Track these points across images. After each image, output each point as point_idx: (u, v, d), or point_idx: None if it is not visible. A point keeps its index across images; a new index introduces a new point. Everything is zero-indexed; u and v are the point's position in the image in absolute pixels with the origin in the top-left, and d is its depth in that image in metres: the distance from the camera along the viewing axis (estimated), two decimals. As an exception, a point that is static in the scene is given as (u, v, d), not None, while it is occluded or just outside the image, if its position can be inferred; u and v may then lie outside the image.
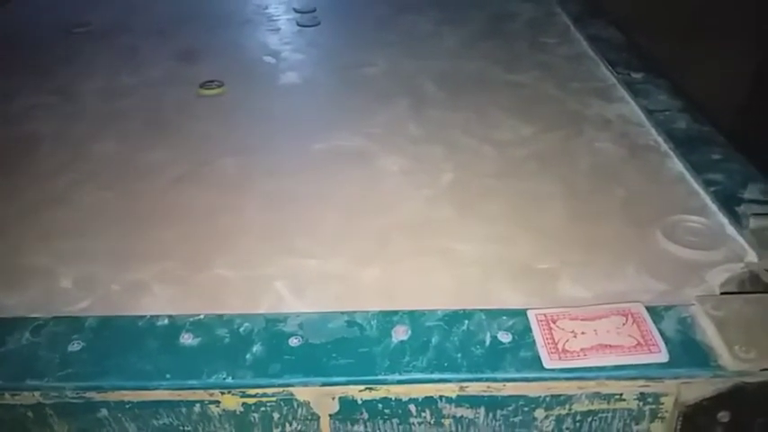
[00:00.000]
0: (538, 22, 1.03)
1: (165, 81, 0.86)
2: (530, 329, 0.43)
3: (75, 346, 0.43)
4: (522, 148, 0.68)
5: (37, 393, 0.41)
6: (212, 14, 1.12)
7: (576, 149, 0.67)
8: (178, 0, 1.19)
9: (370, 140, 0.70)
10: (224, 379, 0.41)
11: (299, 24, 1.06)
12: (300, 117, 0.77)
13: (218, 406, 0.42)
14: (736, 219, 0.54)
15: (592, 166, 0.64)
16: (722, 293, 0.47)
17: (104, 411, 0.42)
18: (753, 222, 0.51)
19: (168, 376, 0.41)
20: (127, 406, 0.42)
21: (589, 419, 0.43)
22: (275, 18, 1.09)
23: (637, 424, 0.43)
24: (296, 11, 1.12)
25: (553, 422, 0.43)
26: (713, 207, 0.57)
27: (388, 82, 0.84)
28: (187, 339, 0.44)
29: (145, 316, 0.45)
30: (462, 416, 0.42)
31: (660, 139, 0.68)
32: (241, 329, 0.44)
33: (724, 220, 0.55)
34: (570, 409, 0.42)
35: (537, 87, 0.81)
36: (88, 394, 0.41)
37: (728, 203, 0.56)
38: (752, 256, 0.51)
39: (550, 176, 0.63)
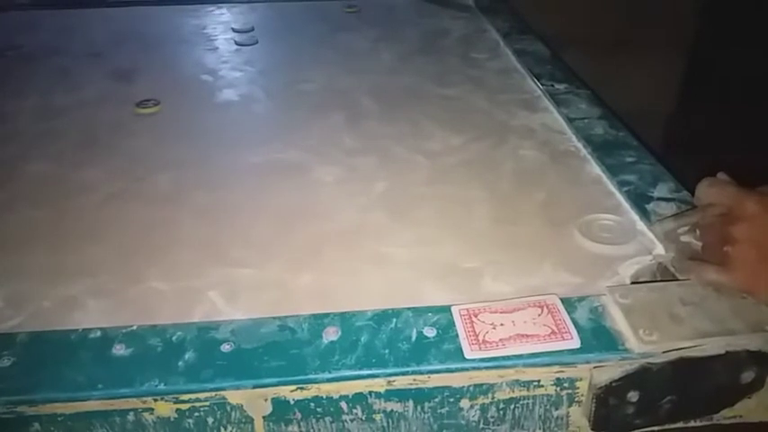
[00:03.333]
0: (469, 39, 1.07)
1: (100, 101, 0.86)
2: (453, 324, 0.46)
3: (4, 362, 0.43)
4: (451, 156, 0.71)
5: (-35, 411, 0.41)
6: (149, 35, 1.12)
7: (502, 157, 0.71)
8: (114, 22, 1.19)
9: (305, 153, 0.72)
10: (156, 386, 0.42)
11: (236, 43, 1.07)
12: (237, 132, 0.79)
13: (151, 413, 0.43)
14: (646, 215, 0.58)
15: (515, 172, 0.68)
16: (632, 284, 0.51)
17: (36, 426, 0.42)
18: (657, 225, 0.55)
19: (100, 386, 0.42)
20: (59, 419, 0.42)
21: (512, 407, 0.45)
22: (213, 38, 1.10)
23: (556, 409, 0.46)
24: (234, 30, 1.13)
25: (478, 411, 0.45)
26: (626, 205, 0.61)
27: (324, 97, 0.87)
28: (119, 350, 0.44)
29: (77, 329, 0.46)
30: (392, 410, 0.44)
31: (580, 145, 0.72)
32: (173, 338, 0.45)
33: (635, 217, 0.59)
34: (493, 398, 0.44)
35: (467, 100, 0.85)
36: (19, 408, 0.41)
37: (639, 202, 0.60)
38: (660, 249, 0.55)
39: (477, 183, 0.66)
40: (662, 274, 0.52)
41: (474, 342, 0.44)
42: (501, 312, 0.46)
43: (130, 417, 0.43)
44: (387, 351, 0.44)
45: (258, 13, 1.24)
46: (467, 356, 0.43)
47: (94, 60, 1.00)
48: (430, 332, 0.45)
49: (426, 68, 0.95)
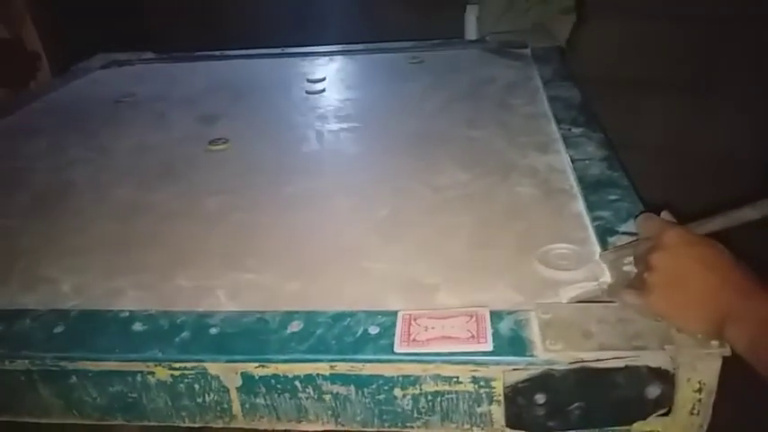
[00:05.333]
0: (513, 86, 1.15)
1: (183, 140, 1.04)
2: (395, 325, 0.54)
3: (58, 329, 0.58)
4: (454, 190, 0.80)
5: (27, 361, 0.56)
6: (238, 84, 1.31)
7: (500, 192, 0.78)
8: (212, 72, 1.41)
9: (331, 184, 0.84)
10: (155, 354, 0.55)
11: (306, 92, 1.23)
12: (283, 166, 0.92)
13: (153, 376, 0.55)
14: (605, 247, 0.63)
15: (507, 205, 0.75)
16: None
17: (74, 378, 0.57)
18: (603, 255, 0.60)
19: (117, 351, 0.55)
20: (89, 375, 0.56)
21: (438, 399, 0.53)
22: (289, 87, 1.27)
23: (479, 406, 0.53)
24: (308, 80, 1.30)
25: (410, 401, 0.53)
26: (593, 238, 0.66)
27: (363, 139, 0.99)
28: (137, 327, 0.58)
29: (112, 310, 0.60)
30: (338, 393, 0.54)
31: (574, 183, 0.78)
32: (178, 321, 0.58)
33: (597, 248, 0.64)
34: (421, 390, 0.52)
35: (488, 141, 0.93)
36: (62, 363, 0.56)
37: (605, 235, 0.65)
38: (607, 277, 0.60)
39: (469, 213, 0.74)
40: (602, 299, 0.57)
41: (405, 340, 0.53)
42: (437, 318, 0.54)
43: (138, 378, 0.56)
44: (334, 342, 0.54)
45: (334, 64, 1.41)
46: (395, 350, 0.52)
47: (187, 106, 1.20)
48: (374, 330, 0.54)
49: (462, 113, 1.04)
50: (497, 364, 0.50)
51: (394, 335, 0.53)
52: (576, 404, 0.50)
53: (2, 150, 1.05)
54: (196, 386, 0.55)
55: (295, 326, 0.56)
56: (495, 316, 0.54)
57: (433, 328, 0.53)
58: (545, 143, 0.90)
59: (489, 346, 0.51)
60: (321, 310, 0.58)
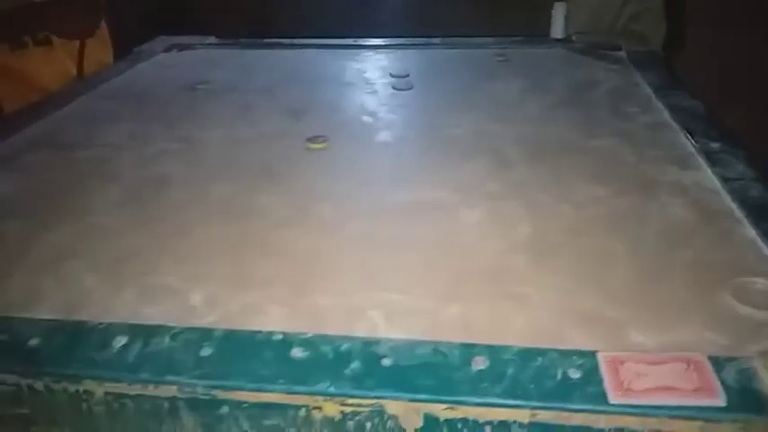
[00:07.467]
0: (619, 92, 1.09)
1: (275, 135, 0.98)
2: (598, 369, 0.48)
3: (206, 351, 0.52)
4: (594, 208, 0.73)
5: (174, 387, 0.50)
6: (316, 76, 1.25)
7: (647, 213, 0.72)
8: (284, 63, 1.34)
9: (450, 194, 0.77)
10: (327, 388, 0.48)
11: (393, 88, 1.17)
12: (390, 171, 0.86)
13: (320, 411, 0.49)
14: (804, 284, 0.57)
15: (661, 229, 0.68)
16: (785, 351, 0.50)
17: (225, 408, 0.50)
18: None
19: (281, 381, 0.49)
20: (244, 405, 0.50)
21: (652, 456, 0.46)
22: (373, 81, 1.20)
23: (699, 465, 0.46)
24: (392, 75, 1.23)
25: (618, 455, 0.47)
26: (782, 272, 0.60)
27: (471, 142, 0.92)
28: (297, 353, 0.51)
29: (262, 331, 0.54)
30: (534, 442, 0.47)
31: (734, 206, 0.71)
32: (342, 348, 0.51)
33: (792, 284, 0.58)
34: (636, 444, 0.46)
35: (614, 153, 0.86)
36: (215, 392, 0.50)
37: (797, 269, 0.59)
38: (818, 320, 0.54)
39: (619, 237, 0.67)
40: (819, 346, 0.51)
41: (619, 389, 0.46)
42: (647, 363, 0.48)
43: (302, 412, 0.49)
44: (532, 386, 0.47)
45: (412, 58, 1.34)
46: (611, 401, 0.45)
47: (269, 97, 1.13)
48: (574, 374, 0.48)
49: (573, 119, 0.98)
50: (733, 421, 0.44)
51: (599, 381, 0.47)
52: (820, 471, 0.44)
53: (82, 136, 0.98)
54: (368, 425, 0.49)
55: (480, 362, 0.49)
56: (712, 362, 0.48)
57: (646, 375, 0.47)
58: (682, 157, 0.84)
59: (722, 401, 0.45)
60: (497, 344, 0.51)
